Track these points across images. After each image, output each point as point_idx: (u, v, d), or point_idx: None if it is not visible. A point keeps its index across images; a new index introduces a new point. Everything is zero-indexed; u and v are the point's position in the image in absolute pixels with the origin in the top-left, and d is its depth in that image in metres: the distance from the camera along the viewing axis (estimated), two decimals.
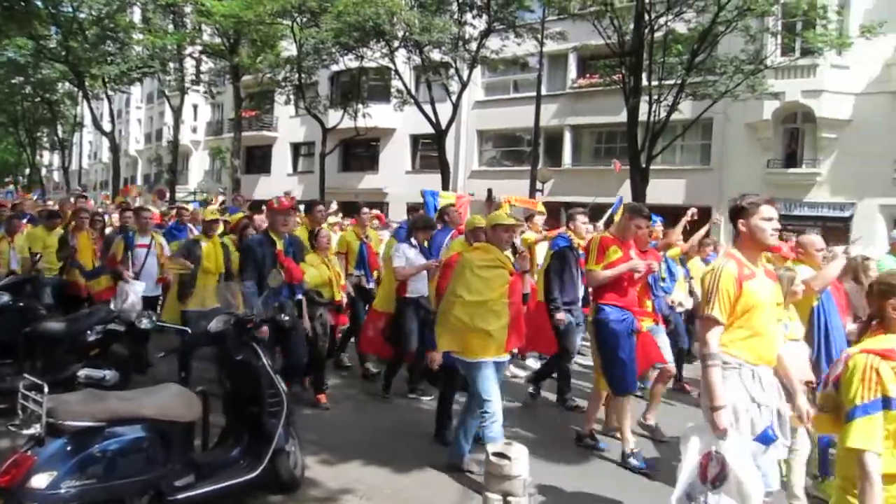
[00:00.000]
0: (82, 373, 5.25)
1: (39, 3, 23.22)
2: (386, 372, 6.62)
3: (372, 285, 7.44)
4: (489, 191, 13.45)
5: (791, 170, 19.58)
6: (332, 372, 7.36)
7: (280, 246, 5.40)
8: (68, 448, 3.09)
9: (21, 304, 5.87)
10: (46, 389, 3.06)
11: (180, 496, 3.49)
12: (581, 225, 6.50)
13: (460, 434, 4.68)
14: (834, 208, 18.74)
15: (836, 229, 16.35)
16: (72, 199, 13.02)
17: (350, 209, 11.47)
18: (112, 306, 6.49)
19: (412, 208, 8.32)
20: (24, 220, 9.47)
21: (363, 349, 7.01)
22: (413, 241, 6.46)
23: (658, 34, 17.18)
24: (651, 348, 5.39)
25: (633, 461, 4.89)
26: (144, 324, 5.24)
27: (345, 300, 6.89)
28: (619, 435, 5.15)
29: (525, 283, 6.06)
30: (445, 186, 22.01)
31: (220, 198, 13.49)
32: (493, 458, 3.74)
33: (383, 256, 7.36)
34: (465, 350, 4.42)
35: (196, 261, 6.50)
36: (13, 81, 35.82)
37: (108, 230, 9.29)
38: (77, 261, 7.81)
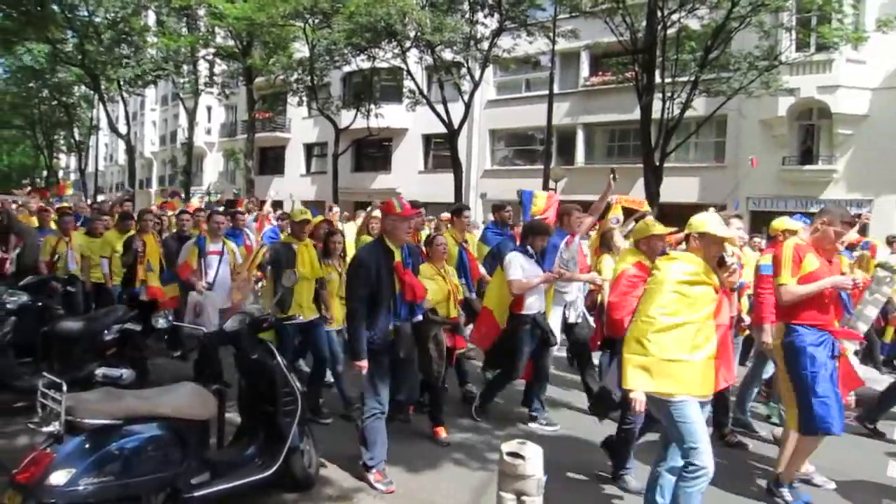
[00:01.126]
0: (99, 371, 5.32)
1: (56, 8, 23.53)
2: (484, 391, 6.01)
3: (474, 296, 6.62)
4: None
5: (807, 167, 19.37)
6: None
7: (398, 257, 4.41)
8: (86, 445, 3.13)
9: (40, 303, 5.93)
10: (65, 388, 3.10)
11: (196, 494, 3.52)
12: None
13: (655, 493, 3.79)
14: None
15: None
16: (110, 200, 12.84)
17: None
18: (187, 321, 6.28)
19: (498, 207, 7.63)
20: (78, 222, 9.44)
21: (478, 343, 6.12)
22: (529, 248, 5.66)
23: (671, 31, 17.07)
24: (849, 373, 4.69)
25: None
26: (161, 323, 5.29)
27: (462, 317, 5.94)
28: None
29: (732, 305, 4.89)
30: (458, 187, 22.01)
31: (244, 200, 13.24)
32: (507, 458, 3.74)
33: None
34: (661, 385, 3.50)
35: (291, 267, 5.59)
36: (30, 85, 36.36)
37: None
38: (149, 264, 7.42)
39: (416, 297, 4.53)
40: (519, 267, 5.52)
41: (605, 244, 6.46)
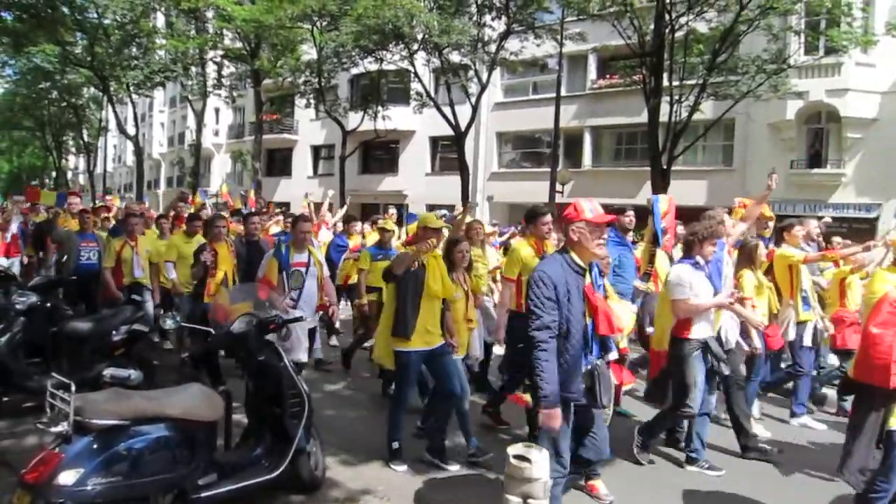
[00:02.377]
0: (108, 372, 5.30)
1: (65, 10, 23.69)
2: (646, 427, 5.15)
3: None
4: None
5: (815, 170, 19.28)
6: (344, 373, 7.39)
7: (589, 278, 3.59)
8: (95, 446, 3.13)
9: (49, 304, 5.96)
10: (73, 388, 3.11)
11: (203, 495, 3.53)
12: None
13: None
14: (860, 209, 18.42)
15: (862, 230, 16.05)
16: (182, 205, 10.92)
17: (371, 212, 11.28)
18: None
19: (617, 211, 6.42)
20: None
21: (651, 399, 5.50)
22: (698, 259, 4.81)
23: (679, 34, 17.03)
24: None
25: None
26: (168, 324, 5.29)
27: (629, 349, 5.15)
28: None
29: None
30: (465, 189, 22.02)
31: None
32: (513, 461, 3.73)
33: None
34: None
35: (419, 282, 4.68)
36: (40, 87, 36.56)
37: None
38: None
39: (612, 330, 3.65)
40: (686, 284, 4.67)
41: (746, 257, 5.71)
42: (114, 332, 5.69)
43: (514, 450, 3.80)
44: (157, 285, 7.53)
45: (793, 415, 6.34)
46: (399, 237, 9.55)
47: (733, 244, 5.77)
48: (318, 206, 11.33)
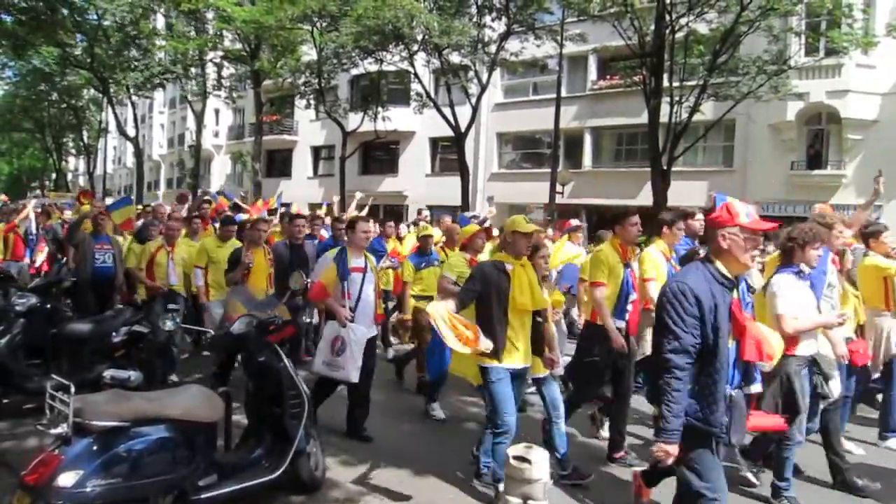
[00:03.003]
0: (108, 373, 5.32)
1: (65, 12, 23.71)
2: (749, 449, 4.80)
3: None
4: None
5: (816, 171, 19.28)
6: None
7: (737, 292, 3.14)
8: (94, 447, 3.13)
9: (49, 305, 5.96)
10: (73, 390, 3.11)
11: (203, 496, 3.52)
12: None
13: None
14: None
15: (863, 233, 16.04)
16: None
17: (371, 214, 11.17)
18: (321, 362, 5.13)
19: (688, 214, 5.99)
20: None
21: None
22: (802, 268, 4.27)
23: (679, 35, 17.02)
24: None
25: None
26: (168, 325, 5.30)
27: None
28: None
29: None
30: (465, 190, 22.02)
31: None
32: (513, 462, 3.73)
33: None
34: None
35: (504, 294, 4.21)
36: (40, 88, 36.60)
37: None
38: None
39: (760, 356, 3.15)
40: (788, 296, 4.17)
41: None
42: (114, 333, 5.68)
43: (513, 451, 3.81)
44: (189, 294, 7.17)
45: (883, 437, 5.77)
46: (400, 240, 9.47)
47: (839, 250, 5.16)
48: (326, 208, 10.70)
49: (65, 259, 10.12)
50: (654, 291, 4.85)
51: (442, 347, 5.04)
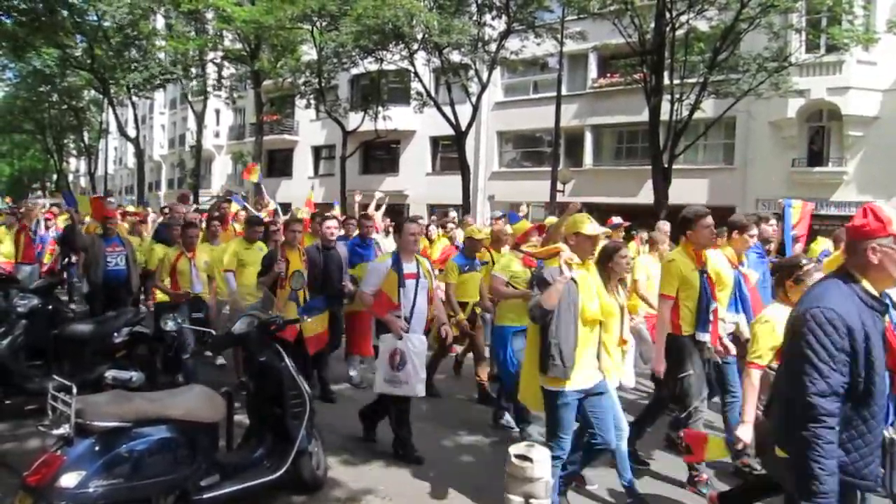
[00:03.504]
0: (109, 374, 5.32)
1: (65, 13, 23.70)
2: None
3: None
4: None
5: (817, 168, 19.26)
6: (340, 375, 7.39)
7: (889, 317, 2.70)
8: (96, 448, 3.14)
9: (50, 306, 5.97)
10: (75, 390, 3.11)
11: (205, 496, 3.53)
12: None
13: None
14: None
15: None
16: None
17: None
18: (382, 380, 4.79)
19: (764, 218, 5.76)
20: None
21: None
22: None
23: (679, 32, 17.01)
24: None
25: None
26: (169, 326, 5.30)
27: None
28: None
29: None
30: (466, 189, 22.01)
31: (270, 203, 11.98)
32: (514, 461, 3.72)
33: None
34: None
35: (572, 304, 3.75)
36: (40, 89, 36.61)
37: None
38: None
39: None
40: None
41: None
42: (115, 334, 5.69)
43: (515, 449, 3.80)
44: (214, 301, 6.75)
45: None
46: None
47: None
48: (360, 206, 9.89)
49: (67, 260, 10.13)
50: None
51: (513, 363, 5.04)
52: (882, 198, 17.91)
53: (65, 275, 10.12)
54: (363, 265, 6.36)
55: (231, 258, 6.44)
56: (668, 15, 16.44)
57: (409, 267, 4.89)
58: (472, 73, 21.92)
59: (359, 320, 6.76)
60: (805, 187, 19.15)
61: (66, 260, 10.24)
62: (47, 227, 10.42)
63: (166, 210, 11.12)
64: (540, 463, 3.67)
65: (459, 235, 8.65)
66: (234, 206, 10.27)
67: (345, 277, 6.48)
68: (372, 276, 5.00)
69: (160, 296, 6.70)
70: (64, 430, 3.08)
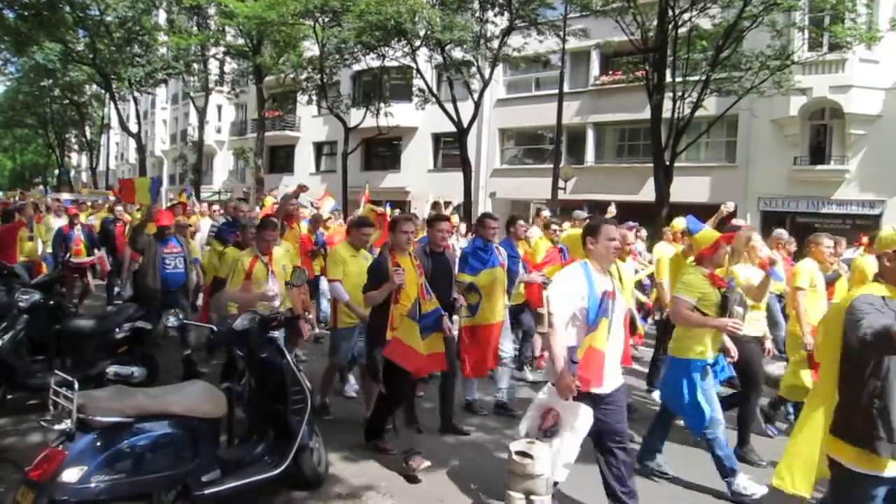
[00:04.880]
0: (111, 369, 5.36)
1: (67, 8, 23.70)
2: None
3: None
4: None
5: (819, 167, 19.22)
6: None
7: None
8: (98, 443, 3.15)
9: (52, 302, 5.98)
10: (76, 386, 3.13)
11: (206, 491, 3.54)
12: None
13: None
14: (863, 206, 18.37)
15: (866, 228, 16.00)
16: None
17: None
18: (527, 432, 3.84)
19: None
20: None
21: None
22: None
23: (682, 30, 16.96)
24: None
25: None
26: (171, 322, 5.31)
27: None
28: None
29: None
30: (467, 185, 22.00)
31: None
32: (515, 457, 3.73)
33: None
34: None
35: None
36: (42, 84, 36.63)
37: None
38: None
39: None
40: None
41: None
42: (117, 329, 5.70)
43: (516, 446, 3.80)
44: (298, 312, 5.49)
45: None
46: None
47: None
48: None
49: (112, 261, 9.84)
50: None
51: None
52: (884, 195, 17.93)
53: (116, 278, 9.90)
54: (491, 271, 5.62)
55: (335, 266, 5.51)
56: (670, 12, 16.39)
57: (603, 283, 3.66)
58: (474, 69, 21.88)
59: (473, 335, 5.74)
60: (807, 186, 19.15)
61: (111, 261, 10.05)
62: (72, 225, 9.90)
63: (229, 208, 9.84)
64: (541, 459, 3.68)
65: (534, 233, 7.71)
66: (268, 201, 10.15)
67: (453, 288, 5.47)
68: (564, 294, 3.60)
69: (232, 307, 5.45)
70: (66, 425, 3.09)
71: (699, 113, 17.08)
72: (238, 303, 5.24)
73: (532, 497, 3.67)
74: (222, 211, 11.81)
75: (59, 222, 10.34)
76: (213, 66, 30.52)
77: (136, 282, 7.28)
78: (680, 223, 6.66)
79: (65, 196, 20.48)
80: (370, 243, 5.94)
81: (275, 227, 5.67)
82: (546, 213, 8.61)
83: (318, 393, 5.43)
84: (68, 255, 8.76)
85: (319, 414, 5.13)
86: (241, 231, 6.73)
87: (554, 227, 7.35)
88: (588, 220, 7.83)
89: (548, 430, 3.59)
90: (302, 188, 7.19)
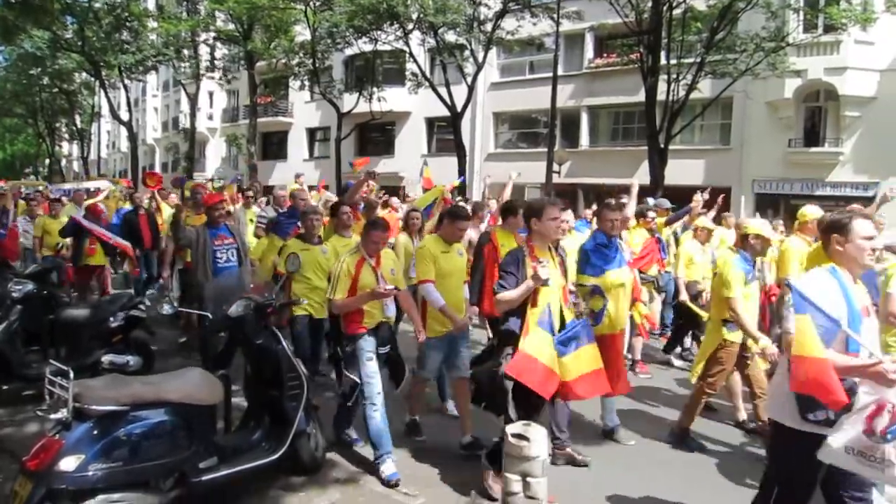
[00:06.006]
0: (106, 358, 5.35)
1: None
2: None
3: None
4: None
5: (813, 149, 19.23)
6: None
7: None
8: (94, 432, 3.15)
9: (46, 292, 5.95)
10: (72, 375, 3.12)
11: (204, 478, 3.55)
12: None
13: None
14: (857, 188, 18.40)
15: None
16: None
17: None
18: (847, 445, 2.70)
19: None
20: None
21: None
22: None
23: (676, 11, 16.88)
24: None
25: None
26: (166, 309, 5.29)
27: None
28: None
29: None
30: (462, 170, 21.94)
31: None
32: (511, 440, 3.74)
33: None
34: None
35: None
36: (31, 73, 36.24)
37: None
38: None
39: None
40: None
41: None
42: (111, 318, 5.69)
43: (512, 429, 3.81)
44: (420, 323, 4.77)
45: None
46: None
47: None
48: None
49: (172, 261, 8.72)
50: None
51: None
52: (878, 177, 17.94)
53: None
54: (618, 272, 4.83)
55: (426, 265, 4.69)
56: None
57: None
58: (467, 53, 21.76)
59: (600, 347, 4.25)
60: (801, 168, 19.17)
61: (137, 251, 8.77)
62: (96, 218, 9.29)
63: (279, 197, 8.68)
64: (537, 442, 3.69)
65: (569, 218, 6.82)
66: (231, 189, 10.10)
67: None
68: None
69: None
70: (62, 414, 3.09)
71: (694, 95, 17.05)
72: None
73: (528, 479, 3.69)
74: (263, 200, 10.92)
75: (80, 213, 9.27)
76: (204, 51, 30.21)
77: (184, 279, 6.65)
78: (813, 212, 5.67)
79: (67, 186, 20.35)
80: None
81: (386, 228, 4.70)
82: (651, 201, 7.80)
83: (406, 412, 5.13)
84: (62, 245, 8.56)
85: (411, 435, 4.96)
86: (304, 220, 5.84)
87: (651, 215, 6.86)
88: (669, 210, 7.54)
89: (885, 430, 2.66)
90: (371, 175, 6.53)
